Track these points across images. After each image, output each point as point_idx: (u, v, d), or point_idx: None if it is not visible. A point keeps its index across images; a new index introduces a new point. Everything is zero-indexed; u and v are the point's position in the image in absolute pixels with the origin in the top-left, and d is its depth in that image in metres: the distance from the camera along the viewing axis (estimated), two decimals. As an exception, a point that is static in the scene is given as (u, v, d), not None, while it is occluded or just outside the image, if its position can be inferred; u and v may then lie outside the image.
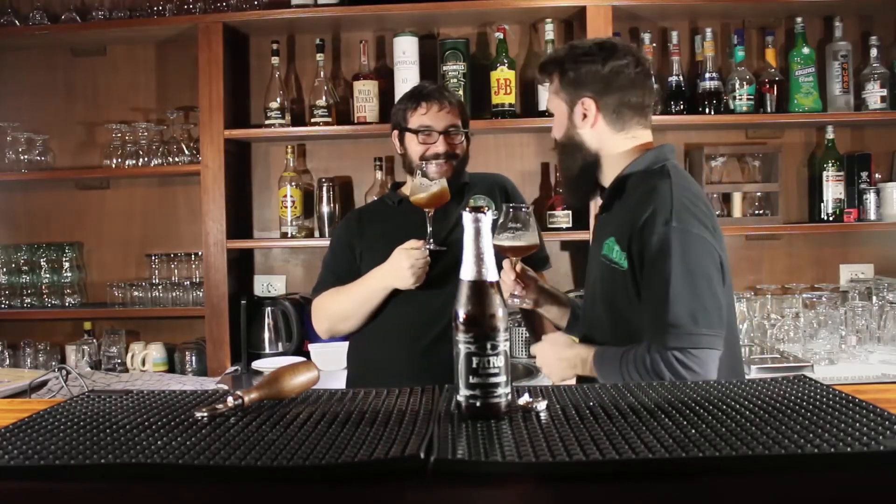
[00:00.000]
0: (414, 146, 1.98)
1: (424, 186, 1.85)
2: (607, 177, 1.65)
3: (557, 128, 1.68)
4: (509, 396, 1.02)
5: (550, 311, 1.84)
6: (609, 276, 1.59)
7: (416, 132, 1.97)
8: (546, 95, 2.67)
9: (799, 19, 2.85)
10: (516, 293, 1.71)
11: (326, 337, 2.03)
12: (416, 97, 2.00)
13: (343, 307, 1.95)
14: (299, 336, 2.78)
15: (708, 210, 1.56)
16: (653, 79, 1.75)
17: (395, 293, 1.91)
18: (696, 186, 1.63)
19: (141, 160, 2.93)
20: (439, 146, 1.94)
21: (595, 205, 1.94)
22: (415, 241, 1.85)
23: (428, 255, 1.85)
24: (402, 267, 1.84)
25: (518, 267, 1.72)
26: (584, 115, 1.62)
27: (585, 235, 2.65)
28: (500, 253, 1.61)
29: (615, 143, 1.63)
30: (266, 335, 2.82)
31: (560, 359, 1.64)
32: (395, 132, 2.05)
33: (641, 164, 1.61)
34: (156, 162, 2.93)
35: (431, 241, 1.86)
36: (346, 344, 2.15)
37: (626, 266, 1.53)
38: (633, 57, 1.63)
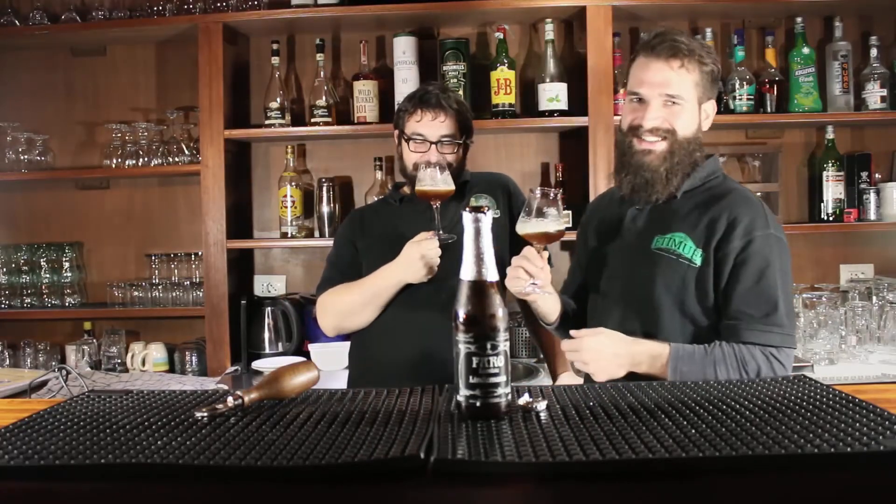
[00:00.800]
0: (407, 151, 1.99)
1: (429, 179, 1.84)
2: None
3: (679, 119, 1.61)
4: (509, 396, 1.02)
5: (547, 304, 1.73)
6: (668, 267, 1.60)
7: (409, 139, 1.97)
8: (544, 91, 2.75)
9: (799, 19, 2.85)
10: (538, 282, 1.56)
11: (332, 334, 2.03)
12: (414, 102, 2.00)
13: (353, 304, 1.95)
14: (299, 336, 2.78)
15: None
16: None
17: (402, 290, 1.91)
18: None
19: (141, 160, 2.93)
20: (431, 155, 1.94)
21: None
22: (425, 234, 1.86)
23: (438, 246, 1.85)
24: (414, 259, 1.84)
25: (544, 255, 1.58)
26: (707, 116, 1.67)
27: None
28: (527, 240, 1.55)
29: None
30: (266, 335, 2.81)
31: (617, 354, 1.51)
32: (396, 132, 2.06)
33: (705, 170, 1.66)
34: (156, 162, 2.93)
35: (441, 232, 1.86)
36: (346, 344, 2.15)
37: (700, 264, 1.57)
38: None
